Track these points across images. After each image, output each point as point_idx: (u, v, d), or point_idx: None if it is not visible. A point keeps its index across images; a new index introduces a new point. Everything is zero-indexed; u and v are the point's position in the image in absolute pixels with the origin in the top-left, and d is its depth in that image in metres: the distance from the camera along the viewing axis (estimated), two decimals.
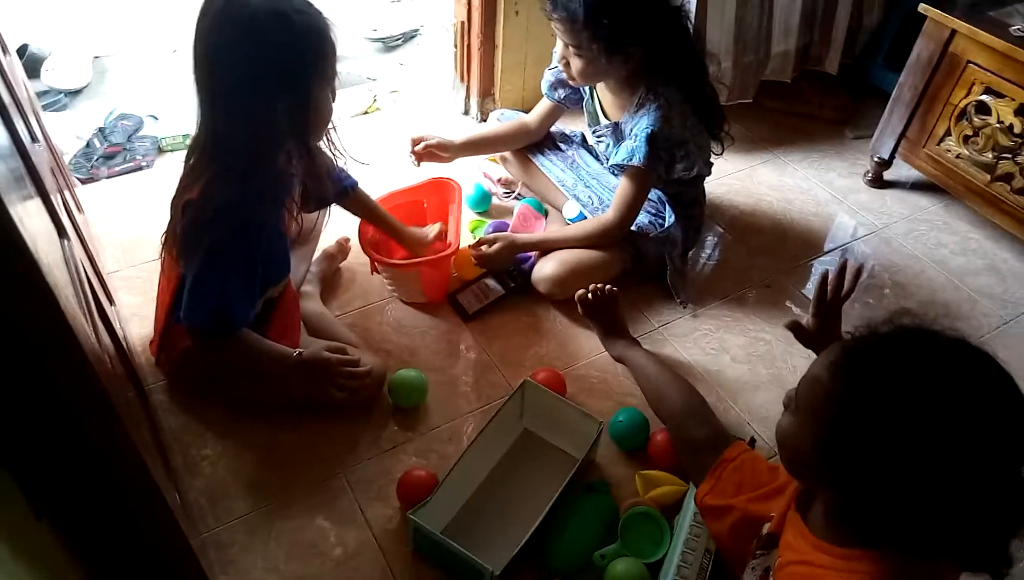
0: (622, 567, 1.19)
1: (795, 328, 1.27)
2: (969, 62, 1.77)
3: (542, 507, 1.20)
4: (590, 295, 1.49)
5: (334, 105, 1.26)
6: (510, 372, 1.55)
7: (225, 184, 1.19)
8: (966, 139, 1.84)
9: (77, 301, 0.86)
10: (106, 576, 0.87)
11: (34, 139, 1.28)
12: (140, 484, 0.81)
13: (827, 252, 1.91)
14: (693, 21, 1.62)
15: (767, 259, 1.86)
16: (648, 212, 1.72)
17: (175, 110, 2.25)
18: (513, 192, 1.95)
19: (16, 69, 1.59)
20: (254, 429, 1.41)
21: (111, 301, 1.48)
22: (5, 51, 1.51)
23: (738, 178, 2.11)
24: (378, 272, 1.69)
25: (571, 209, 1.82)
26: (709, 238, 1.92)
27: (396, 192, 1.73)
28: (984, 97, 1.78)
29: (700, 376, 1.57)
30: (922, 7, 1.81)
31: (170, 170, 1.25)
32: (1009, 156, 1.77)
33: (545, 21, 1.55)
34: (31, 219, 0.76)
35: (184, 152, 1.38)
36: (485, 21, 2.05)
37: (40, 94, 2.31)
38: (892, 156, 2.03)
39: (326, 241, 1.74)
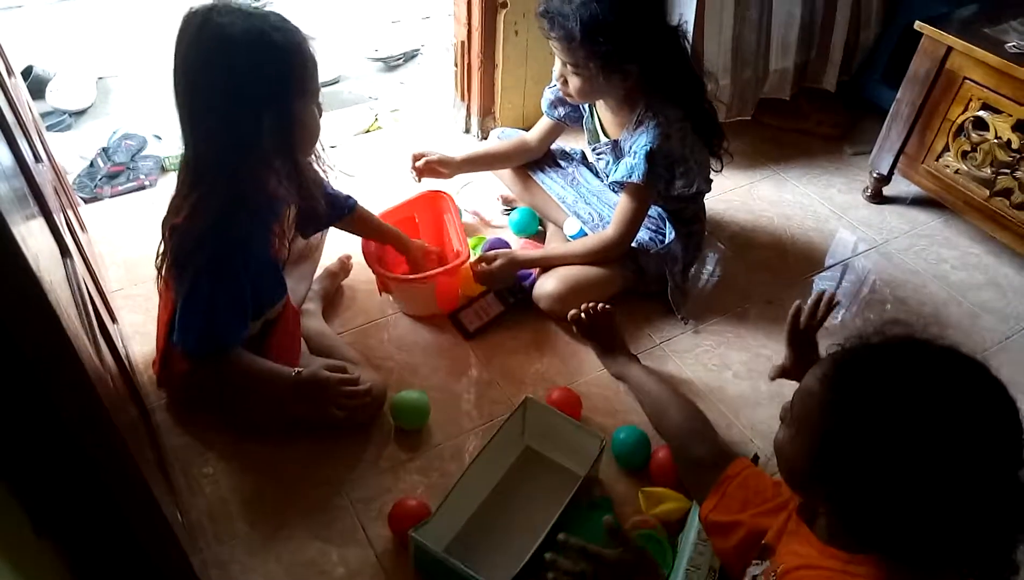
0: None
1: (782, 373, 1.28)
2: (966, 78, 1.79)
3: (545, 525, 1.19)
4: (583, 314, 1.50)
5: (321, 120, 1.26)
6: (512, 389, 1.55)
7: (209, 209, 1.19)
8: (964, 154, 1.85)
9: (79, 320, 0.86)
10: None
11: (37, 159, 1.29)
12: (141, 502, 0.81)
13: (828, 267, 1.91)
14: (691, 40, 1.63)
15: (768, 275, 1.86)
16: (648, 228, 1.72)
17: (178, 130, 2.26)
18: (512, 209, 1.96)
19: (21, 90, 1.61)
20: (256, 448, 1.41)
21: (114, 320, 1.48)
22: (10, 73, 1.52)
23: (738, 194, 2.12)
24: (388, 291, 1.69)
25: (572, 226, 1.82)
26: (710, 254, 1.92)
27: (388, 210, 1.73)
28: (981, 113, 1.79)
29: (702, 392, 1.56)
30: (918, 24, 1.83)
31: (173, 189, 1.26)
32: (1008, 171, 1.77)
33: (544, 40, 1.56)
34: (34, 238, 0.76)
35: None
36: (485, 41, 2.07)
37: (45, 114, 2.33)
38: (891, 172, 2.04)
39: (328, 259, 1.74)
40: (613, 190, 1.73)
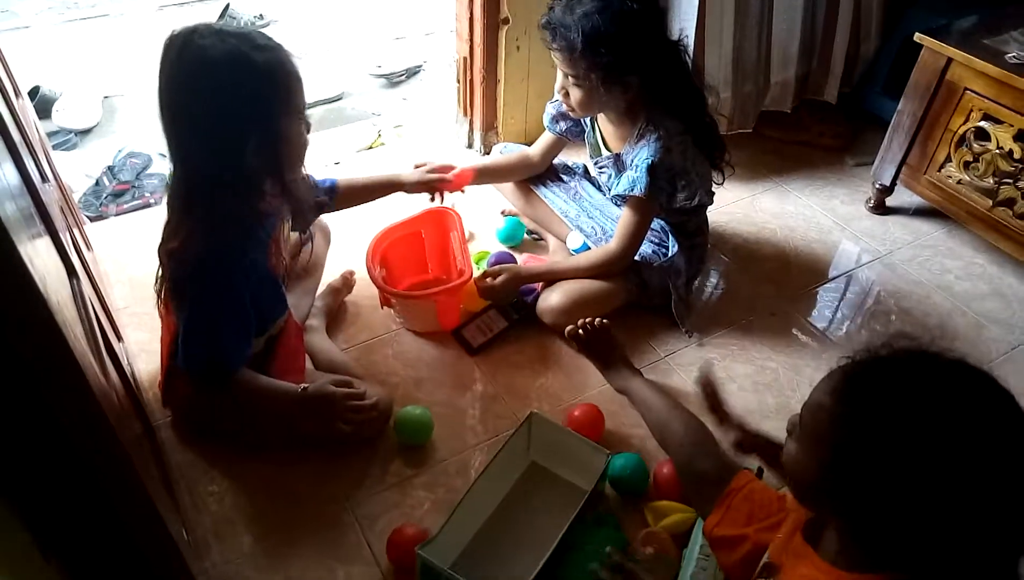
0: None
1: (749, 448, 1.27)
2: (966, 89, 1.79)
3: (551, 541, 1.19)
4: (581, 330, 1.49)
5: (309, 137, 1.25)
6: (517, 404, 1.54)
7: (205, 233, 1.18)
8: (966, 165, 1.85)
9: (86, 339, 0.86)
10: None
11: (44, 178, 1.30)
12: (146, 519, 0.81)
13: (831, 279, 1.91)
14: (691, 53, 1.64)
15: (772, 287, 1.86)
16: (652, 242, 1.73)
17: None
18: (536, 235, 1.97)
19: (28, 111, 1.62)
20: (261, 465, 1.41)
21: (119, 337, 1.49)
22: (18, 94, 1.54)
23: (740, 207, 2.12)
24: (390, 305, 1.69)
25: (575, 240, 1.83)
26: (713, 267, 1.92)
27: (394, 225, 1.74)
28: (983, 123, 1.79)
29: (707, 405, 1.55)
30: (918, 36, 1.83)
31: (165, 213, 1.27)
32: (1010, 181, 1.77)
33: (546, 56, 1.58)
34: (40, 258, 0.77)
35: None
36: (487, 57, 2.08)
37: (51, 134, 2.35)
38: (893, 183, 2.04)
39: (330, 275, 1.75)
40: (615, 204, 1.74)
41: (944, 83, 1.83)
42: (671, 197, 1.62)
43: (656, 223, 1.72)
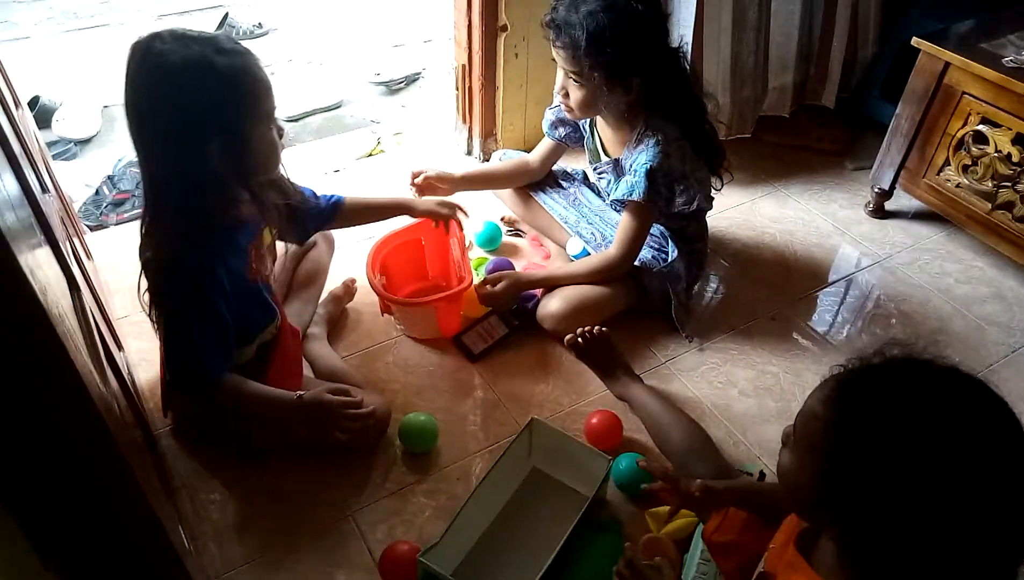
0: None
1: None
2: (964, 93, 1.80)
3: (552, 547, 1.18)
4: (580, 339, 1.49)
5: (281, 141, 1.23)
6: (518, 410, 1.54)
7: (174, 240, 1.18)
8: (965, 168, 1.86)
9: (87, 350, 0.86)
10: None
11: (44, 189, 1.31)
12: (147, 527, 0.81)
13: (831, 283, 1.91)
14: (690, 61, 1.64)
15: (772, 291, 1.87)
16: (651, 247, 1.73)
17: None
18: (516, 231, 1.97)
19: (28, 122, 1.63)
20: (262, 473, 1.41)
21: (120, 347, 1.49)
22: (17, 105, 1.54)
23: (740, 212, 2.12)
24: (390, 313, 1.69)
25: (575, 246, 1.83)
26: (713, 272, 1.93)
27: (395, 232, 1.74)
28: (981, 127, 1.79)
29: (708, 410, 1.56)
30: (915, 40, 1.84)
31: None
32: (1009, 184, 1.78)
33: (545, 63, 1.58)
34: (41, 269, 0.77)
35: None
36: (486, 64, 2.09)
37: (51, 144, 2.35)
38: (892, 187, 2.05)
39: (332, 283, 1.75)
40: (615, 209, 1.74)
41: (942, 87, 1.84)
42: (669, 202, 1.62)
43: (656, 228, 1.73)
